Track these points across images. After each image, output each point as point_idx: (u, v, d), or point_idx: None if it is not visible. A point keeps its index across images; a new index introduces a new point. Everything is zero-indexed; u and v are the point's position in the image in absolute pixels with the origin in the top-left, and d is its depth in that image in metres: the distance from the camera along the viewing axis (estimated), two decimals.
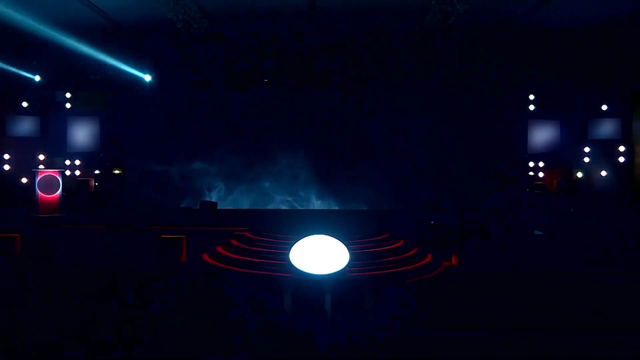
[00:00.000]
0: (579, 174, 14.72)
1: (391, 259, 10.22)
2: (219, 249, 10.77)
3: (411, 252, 10.62)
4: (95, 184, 14.48)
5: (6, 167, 14.13)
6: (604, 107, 14.48)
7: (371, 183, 14.47)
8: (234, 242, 10.96)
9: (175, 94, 14.50)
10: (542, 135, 14.70)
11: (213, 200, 13.76)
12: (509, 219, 11.35)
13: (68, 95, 14.59)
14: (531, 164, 14.83)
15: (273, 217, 13.09)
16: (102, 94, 14.72)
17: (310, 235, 9.36)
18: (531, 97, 14.77)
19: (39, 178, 12.69)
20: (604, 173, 14.47)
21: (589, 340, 5.36)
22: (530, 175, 14.67)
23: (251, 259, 10.12)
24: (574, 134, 14.75)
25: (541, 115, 14.72)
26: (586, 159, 14.76)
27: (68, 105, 14.61)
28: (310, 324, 5.97)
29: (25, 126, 14.30)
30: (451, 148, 14.49)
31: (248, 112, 14.53)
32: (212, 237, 11.17)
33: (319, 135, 14.58)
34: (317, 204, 14.60)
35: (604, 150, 14.54)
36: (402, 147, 14.54)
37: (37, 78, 13.99)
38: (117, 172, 14.61)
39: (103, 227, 11.13)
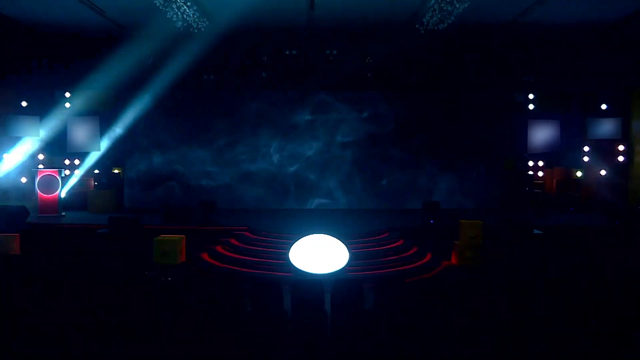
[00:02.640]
0: (579, 174, 14.74)
1: (391, 258, 10.23)
2: (219, 249, 10.78)
3: (411, 251, 10.63)
4: (95, 184, 14.47)
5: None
6: (604, 107, 14.50)
7: (373, 182, 14.51)
8: (233, 241, 10.97)
9: (176, 93, 14.50)
10: (542, 135, 14.70)
11: (211, 199, 13.76)
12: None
13: (68, 95, 14.59)
14: (531, 164, 14.84)
15: (273, 217, 13.10)
16: (103, 94, 14.72)
17: (310, 234, 9.38)
18: (531, 96, 14.80)
19: (38, 178, 12.70)
20: (603, 172, 14.49)
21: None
22: (530, 175, 14.67)
23: (251, 259, 10.13)
24: (574, 133, 14.76)
25: (541, 115, 14.73)
26: (586, 159, 14.78)
27: (68, 105, 14.61)
28: (310, 324, 5.97)
29: (25, 126, 14.27)
30: (451, 147, 14.51)
31: (247, 112, 14.53)
32: (212, 236, 11.19)
33: (318, 135, 14.59)
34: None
35: (604, 150, 14.56)
36: (402, 146, 14.56)
37: None
38: (116, 171, 14.61)
39: (103, 227, 11.15)
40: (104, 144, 14.41)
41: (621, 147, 14.29)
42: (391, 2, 11.65)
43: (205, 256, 10.51)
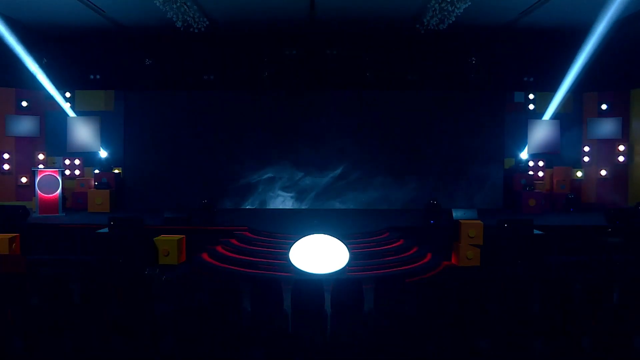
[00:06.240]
0: (579, 174, 14.74)
1: (391, 258, 10.23)
2: (219, 249, 10.78)
3: (411, 251, 10.63)
4: (95, 184, 14.46)
5: (6, 166, 14.13)
6: (604, 107, 14.50)
7: (373, 182, 14.51)
8: (234, 241, 10.97)
9: (175, 93, 14.52)
10: (542, 135, 14.70)
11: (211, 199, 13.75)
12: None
13: (68, 94, 14.59)
14: (531, 164, 14.84)
15: (273, 217, 13.09)
16: (103, 94, 14.72)
17: (310, 234, 9.38)
18: (531, 96, 14.80)
19: (38, 178, 12.70)
20: (603, 172, 14.49)
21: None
22: (530, 175, 14.67)
23: (251, 259, 10.13)
24: (574, 133, 14.77)
25: (541, 115, 14.73)
26: (586, 159, 14.78)
27: (68, 105, 14.61)
28: (310, 324, 5.97)
29: (25, 126, 14.30)
30: (451, 147, 14.51)
31: (247, 112, 14.53)
32: (212, 236, 11.18)
33: (316, 136, 14.58)
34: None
35: (604, 150, 14.57)
36: (402, 147, 14.56)
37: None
38: (116, 171, 14.61)
39: (103, 227, 11.14)
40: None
41: (621, 147, 14.30)
42: (391, 2, 11.66)
43: (205, 256, 10.51)
